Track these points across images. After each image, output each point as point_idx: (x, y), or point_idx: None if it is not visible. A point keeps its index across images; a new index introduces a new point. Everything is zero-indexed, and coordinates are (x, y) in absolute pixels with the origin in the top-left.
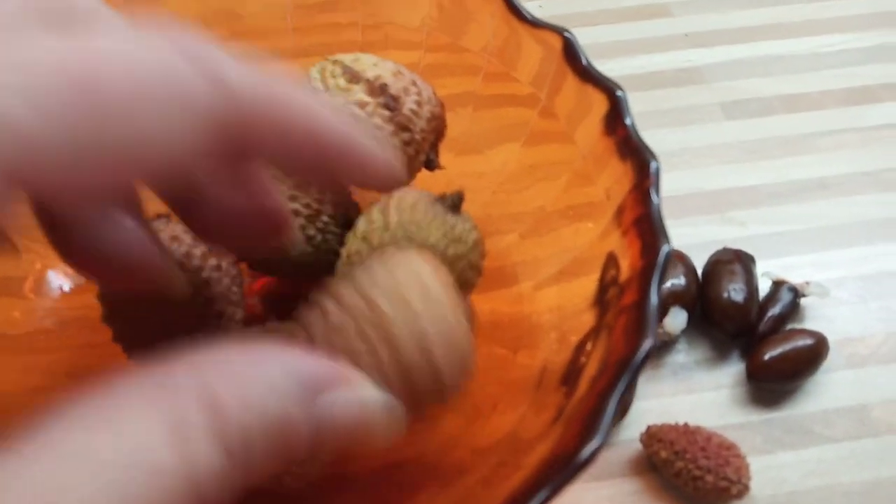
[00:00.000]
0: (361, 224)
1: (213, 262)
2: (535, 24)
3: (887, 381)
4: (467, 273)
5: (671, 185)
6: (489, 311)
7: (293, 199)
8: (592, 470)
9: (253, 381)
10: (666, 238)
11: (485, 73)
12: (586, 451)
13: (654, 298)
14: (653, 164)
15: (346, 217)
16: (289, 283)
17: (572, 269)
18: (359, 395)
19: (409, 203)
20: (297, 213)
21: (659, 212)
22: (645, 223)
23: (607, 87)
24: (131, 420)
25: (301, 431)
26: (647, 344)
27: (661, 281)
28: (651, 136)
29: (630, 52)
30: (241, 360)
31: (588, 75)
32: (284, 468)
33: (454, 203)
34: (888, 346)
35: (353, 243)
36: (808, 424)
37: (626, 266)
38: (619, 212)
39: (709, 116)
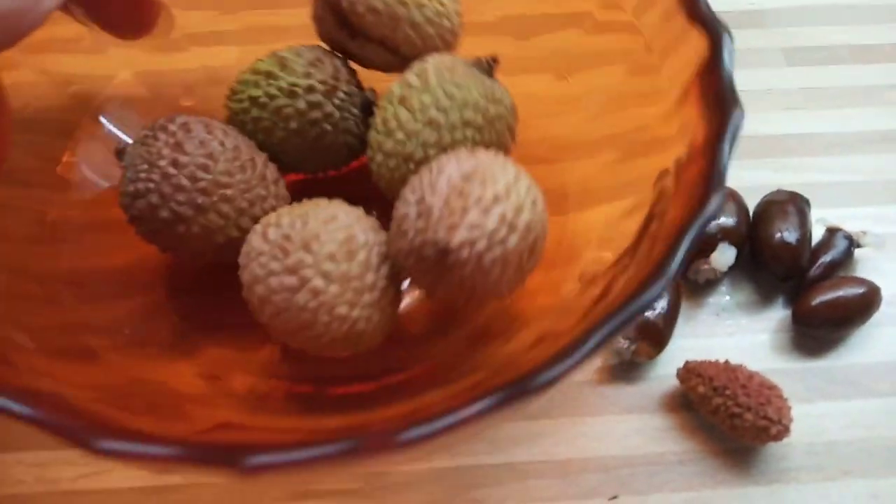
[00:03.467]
0: (397, 89)
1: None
2: None
3: None
4: (505, 136)
5: None
6: None
7: (307, 75)
8: (624, 403)
9: None
10: (738, 103)
11: None
12: (658, 285)
13: (726, 153)
14: (725, 37)
15: (365, 100)
16: (312, 180)
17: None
18: None
19: (447, 65)
20: (312, 89)
21: (731, 78)
22: (717, 88)
23: None
24: None
25: None
26: (718, 198)
27: (732, 145)
28: None
29: None
30: None
31: None
32: None
33: (489, 66)
34: None
35: (388, 109)
36: (852, 376)
37: (692, 142)
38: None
39: (770, 61)
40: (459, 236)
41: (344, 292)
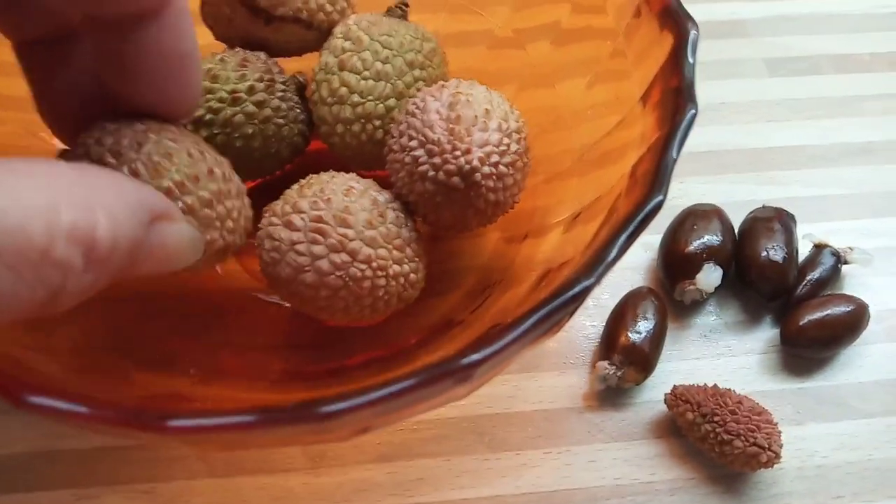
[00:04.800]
0: (331, 58)
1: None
2: None
3: None
4: (443, 67)
5: (709, 140)
6: None
7: (243, 78)
8: (611, 430)
9: (117, 202)
10: (693, 100)
11: None
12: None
13: (675, 146)
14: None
15: (300, 84)
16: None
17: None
18: (181, 227)
19: (369, 21)
20: (253, 89)
21: (692, 73)
22: (677, 84)
23: None
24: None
25: (141, 251)
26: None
27: (684, 138)
28: None
29: None
30: (107, 182)
31: None
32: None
33: (403, 11)
34: None
35: (332, 80)
36: (842, 396)
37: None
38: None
39: (752, 72)
40: (475, 155)
41: (392, 251)
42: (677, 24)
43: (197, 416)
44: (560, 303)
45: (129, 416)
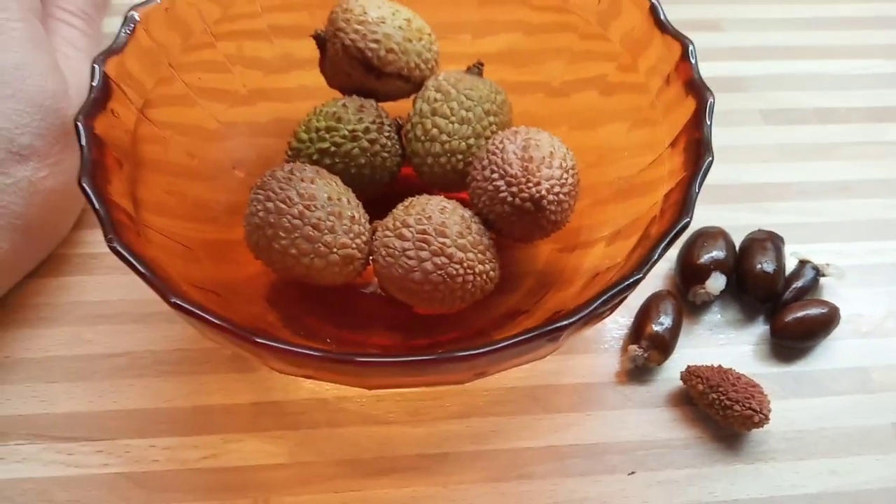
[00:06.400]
0: (424, 106)
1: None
2: None
3: (886, 351)
4: (510, 114)
5: (714, 176)
6: None
7: (360, 120)
8: (638, 399)
9: None
10: (710, 151)
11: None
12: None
13: (697, 185)
14: (710, 99)
15: (398, 126)
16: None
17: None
18: None
19: (455, 77)
20: (368, 130)
21: (710, 131)
22: (699, 137)
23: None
24: None
25: None
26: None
27: (703, 179)
28: None
29: None
30: None
31: (664, 27)
32: None
33: (479, 69)
34: (889, 322)
35: (426, 122)
36: (818, 379)
37: (676, 176)
38: (675, 142)
39: (750, 121)
40: (544, 187)
41: (477, 254)
42: (699, 92)
43: (378, 356)
44: (620, 289)
45: (335, 356)
